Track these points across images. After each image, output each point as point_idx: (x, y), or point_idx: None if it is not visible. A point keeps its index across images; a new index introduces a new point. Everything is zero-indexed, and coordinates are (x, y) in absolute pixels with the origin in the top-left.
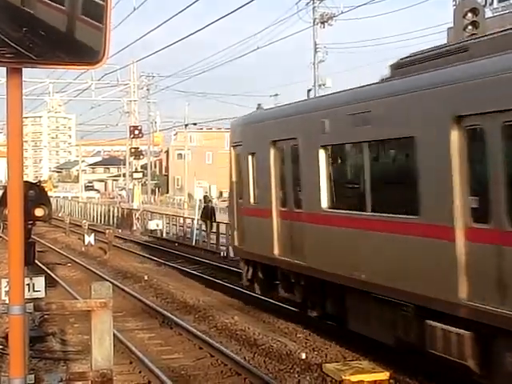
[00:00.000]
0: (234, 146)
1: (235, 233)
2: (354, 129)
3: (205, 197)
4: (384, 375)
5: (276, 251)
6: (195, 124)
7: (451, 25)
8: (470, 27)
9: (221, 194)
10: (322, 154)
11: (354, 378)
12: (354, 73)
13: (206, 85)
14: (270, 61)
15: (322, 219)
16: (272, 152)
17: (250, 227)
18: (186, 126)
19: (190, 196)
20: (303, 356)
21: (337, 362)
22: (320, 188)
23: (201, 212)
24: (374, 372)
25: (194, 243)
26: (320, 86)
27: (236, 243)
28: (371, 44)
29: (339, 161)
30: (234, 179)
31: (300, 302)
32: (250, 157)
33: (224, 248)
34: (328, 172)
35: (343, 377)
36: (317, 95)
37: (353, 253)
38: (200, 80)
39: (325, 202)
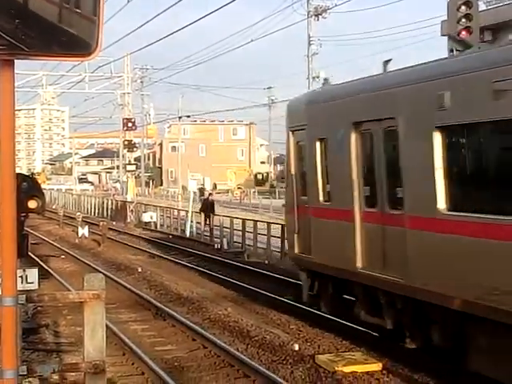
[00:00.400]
0: (293, 131)
1: (295, 238)
2: (496, 102)
3: (202, 189)
4: (377, 366)
5: (359, 264)
6: (189, 116)
7: (445, 17)
8: (463, 20)
9: (215, 186)
10: (437, 137)
11: (347, 369)
12: (347, 65)
13: (199, 77)
14: (264, 53)
15: (437, 225)
16: (353, 137)
17: (318, 232)
18: (180, 118)
19: (184, 188)
20: (296, 347)
21: (330, 353)
22: (435, 183)
23: (201, 205)
24: (367, 363)
25: (188, 235)
26: (314, 78)
27: (297, 251)
28: (365, 37)
29: (467, 146)
30: (292, 171)
31: (391, 328)
32: (318, 143)
33: (218, 240)
34: (447, 161)
35: (336, 368)
36: (311, 88)
37: (493, 273)
38: (194, 72)
39: (442, 202)
